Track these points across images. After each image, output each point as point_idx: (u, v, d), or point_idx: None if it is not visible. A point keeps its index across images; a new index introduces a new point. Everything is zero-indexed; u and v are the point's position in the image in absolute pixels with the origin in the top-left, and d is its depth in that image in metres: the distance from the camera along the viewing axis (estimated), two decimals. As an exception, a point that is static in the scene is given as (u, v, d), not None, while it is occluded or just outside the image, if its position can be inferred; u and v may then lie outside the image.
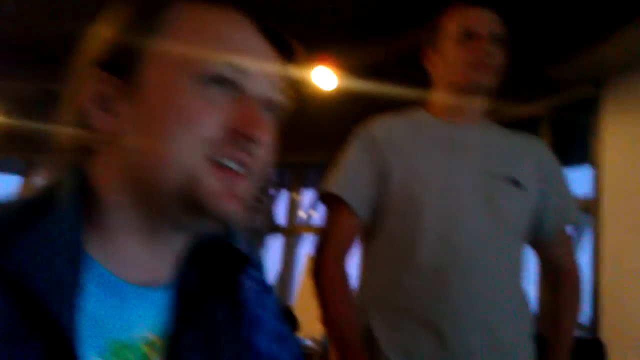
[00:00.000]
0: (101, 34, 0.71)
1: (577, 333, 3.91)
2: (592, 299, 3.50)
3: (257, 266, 0.84)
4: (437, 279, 1.53)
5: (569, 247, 1.77)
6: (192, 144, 0.65)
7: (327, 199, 1.67)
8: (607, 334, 3.34)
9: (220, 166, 0.66)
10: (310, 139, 5.00)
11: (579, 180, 3.82)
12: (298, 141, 5.20)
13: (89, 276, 0.64)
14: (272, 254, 6.19)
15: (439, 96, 1.70)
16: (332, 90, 4.08)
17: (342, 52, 3.73)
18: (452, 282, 1.52)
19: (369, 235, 1.68)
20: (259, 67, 0.69)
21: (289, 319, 3.56)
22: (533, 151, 1.71)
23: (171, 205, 0.66)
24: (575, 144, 3.95)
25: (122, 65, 0.68)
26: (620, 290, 3.36)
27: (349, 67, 3.84)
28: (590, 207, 3.60)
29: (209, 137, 0.65)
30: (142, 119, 0.67)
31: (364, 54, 3.60)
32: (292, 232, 6.30)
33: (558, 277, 1.74)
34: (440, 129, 1.67)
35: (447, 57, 1.65)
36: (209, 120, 0.66)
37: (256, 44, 0.71)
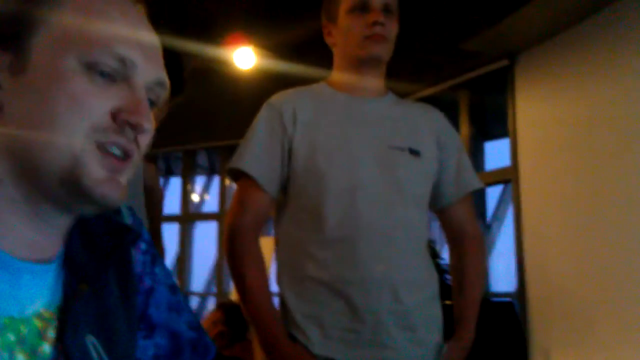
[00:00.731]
0: None
1: (499, 298, 3.97)
2: (517, 266, 3.61)
3: (145, 240, 0.85)
4: (343, 249, 1.60)
5: (470, 212, 1.84)
6: (79, 128, 0.66)
7: (237, 175, 1.70)
8: (533, 301, 3.45)
9: (104, 152, 0.68)
10: (226, 120, 4.96)
11: (500, 152, 3.93)
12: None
13: None
14: (168, 241, 6.12)
15: (339, 71, 1.76)
16: (250, 70, 4.04)
17: (259, 31, 3.68)
18: (357, 251, 1.59)
19: (279, 212, 1.72)
20: (145, 58, 0.71)
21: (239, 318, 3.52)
22: (431, 120, 1.78)
23: (53, 186, 0.67)
24: (494, 117, 4.04)
25: (7, 35, 0.68)
26: (542, 256, 3.47)
27: (267, 46, 3.80)
28: (509, 177, 3.70)
29: (95, 123, 0.67)
30: (28, 95, 0.67)
31: (281, 33, 3.57)
32: (186, 219, 6.27)
33: (461, 241, 1.82)
34: (342, 102, 1.72)
35: (343, 28, 1.70)
36: (96, 106, 0.67)
37: (144, 32, 0.73)
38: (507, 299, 2.13)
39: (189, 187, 6.30)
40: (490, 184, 4.03)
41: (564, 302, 3.17)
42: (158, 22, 0.77)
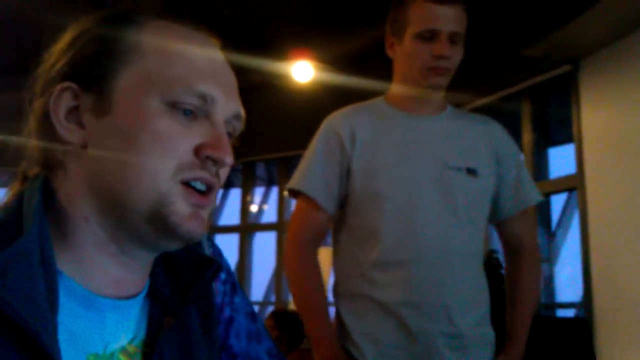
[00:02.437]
0: (72, 45, 0.71)
1: (567, 313, 3.90)
2: (583, 275, 3.51)
3: (225, 269, 0.85)
4: (397, 272, 1.62)
5: (528, 225, 1.85)
6: (165, 167, 0.67)
7: (296, 194, 1.73)
8: (599, 312, 3.35)
9: (189, 187, 0.69)
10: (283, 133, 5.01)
11: (564, 159, 3.84)
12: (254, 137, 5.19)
13: (63, 292, 0.65)
14: (228, 251, 6.20)
15: (398, 88, 1.75)
16: (308, 83, 4.07)
17: (317, 44, 3.71)
18: (412, 275, 1.61)
19: (337, 227, 1.75)
20: (224, 94, 0.72)
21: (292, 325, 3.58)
22: (489, 134, 1.77)
23: (139, 225, 0.68)
24: (557, 123, 3.95)
25: (93, 79, 0.69)
26: (610, 267, 3.37)
27: (324, 59, 3.82)
28: (575, 184, 3.61)
29: (180, 161, 0.68)
30: (113, 136, 0.68)
31: (338, 45, 3.59)
32: (246, 229, 6.32)
33: (518, 255, 1.82)
34: (401, 122, 1.72)
35: (408, 52, 1.68)
36: (181, 144, 0.68)
37: (222, 68, 0.74)
38: (582, 316, 2.07)
39: (248, 198, 6.38)
40: (555, 192, 3.95)
41: (632, 312, 3.07)
42: (221, 39, 0.78)
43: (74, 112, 0.70)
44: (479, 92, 4.09)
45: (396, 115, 1.73)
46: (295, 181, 1.72)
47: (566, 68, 3.60)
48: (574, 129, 3.59)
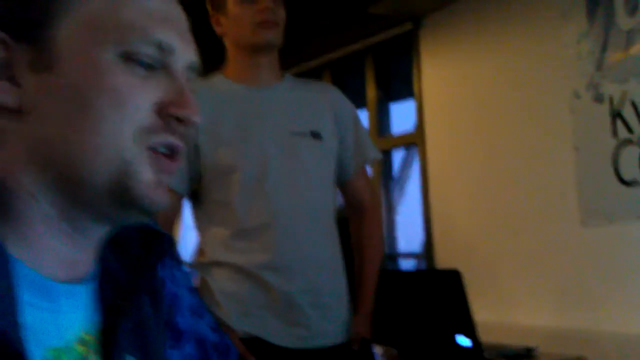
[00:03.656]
0: None
1: (408, 263, 4.07)
2: (425, 228, 3.71)
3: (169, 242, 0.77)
4: (254, 238, 1.70)
5: (367, 182, 1.97)
6: (126, 130, 0.58)
7: None
8: (439, 261, 3.57)
9: (155, 152, 0.61)
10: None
11: (405, 114, 3.98)
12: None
13: (18, 281, 0.56)
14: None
15: (234, 59, 1.79)
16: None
17: None
18: (268, 239, 1.69)
19: (194, 203, 1.78)
20: (181, 41, 0.63)
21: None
22: (328, 99, 1.88)
23: (98, 198, 0.60)
24: (398, 79, 4.08)
25: (25, 25, 0.58)
26: (448, 216, 3.58)
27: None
28: (415, 139, 3.77)
29: (142, 123, 0.60)
30: (60, 96, 0.58)
31: None
32: None
33: (359, 212, 1.94)
34: (241, 94, 1.76)
35: (234, 16, 1.73)
36: (141, 103, 0.60)
37: (176, 11, 0.65)
38: (453, 269, 2.19)
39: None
40: (397, 146, 4.10)
41: (470, 260, 3.29)
42: None
43: (4, 67, 0.57)
44: (325, 49, 4.11)
45: (236, 88, 1.76)
46: None
47: (408, 26, 3.70)
48: (415, 86, 3.73)
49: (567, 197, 2.92)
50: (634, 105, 2.71)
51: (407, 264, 4.26)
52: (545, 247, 3.02)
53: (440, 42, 3.60)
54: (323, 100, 1.86)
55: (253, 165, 1.71)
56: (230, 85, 1.78)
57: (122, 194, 0.59)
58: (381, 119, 4.11)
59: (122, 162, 0.58)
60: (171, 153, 0.62)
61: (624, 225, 2.75)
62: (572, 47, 2.92)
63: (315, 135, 1.78)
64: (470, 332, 2.19)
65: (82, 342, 0.62)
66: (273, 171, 1.72)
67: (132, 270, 0.68)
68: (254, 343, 1.66)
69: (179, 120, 0.61)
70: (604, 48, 2.82)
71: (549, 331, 2.86)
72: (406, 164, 4.26)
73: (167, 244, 0.70)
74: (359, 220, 1.93)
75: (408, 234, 4.14)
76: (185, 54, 0.64)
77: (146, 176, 0.60)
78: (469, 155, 3.45)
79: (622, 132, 2.75)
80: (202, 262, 1.77)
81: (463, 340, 2.22)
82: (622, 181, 2.74)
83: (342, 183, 1.91)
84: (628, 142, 2.73)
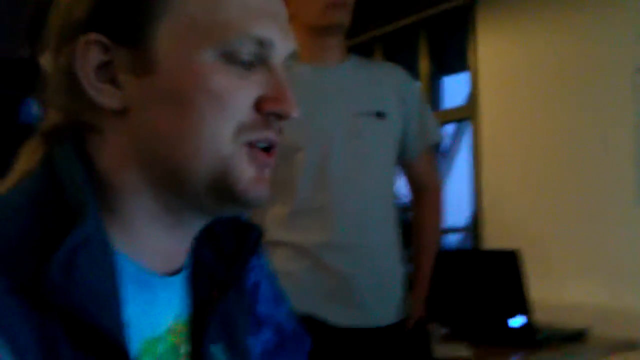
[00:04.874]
0: None
1: (461, 238, 4.03)
2: (474, 203, 3.68)
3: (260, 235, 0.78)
4: (316, 218, 1.70)
5: (431, 165, 1.96)
6: (226, 130, 0.59)
7: None
8: (488, 236, 3.55)
9: (253, 147, 0.61)
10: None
11: (458, 87, 3.93)
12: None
13: (122, 274, 0.58)
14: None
15: (302, 40, 1.74)
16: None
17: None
18: (329, 219, 1.69)
19: None
20: (281, 33, 0.62)
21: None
22: (394, 80, 1.85)
23: (200, 194, 0.60)
24: (453, 53, 4.02)
25: (125, 28, 0.58)
26: (499, 195, 3.54)
27: None
28: (468, 112, 3.72)
29: (241, 122, 0.59)
30: (159, 97, 0.58)
31: None
32: None
33: (421, 193, 1.93)
34: (306, 75, 1.73)
35: (305, 0, 1.69)
36: (241, 102, 0.59)
37: (275, 1, 0.64)
38: (511, 249, 2.19)
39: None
40: (450, 121, 4.06)
41: (519, 237, 3.27)
42: None
43: (104, 70, 0.58)
44: (377, 23, 4.06)
45: (301, 68, 1.73)
46: None
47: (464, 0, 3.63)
48: (470, 59, 3.67)
49: (623, 176, 2.87)
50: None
51: (453, 239, 4.25)
52: (599, 225, 2.97)
53: (497, 16, 3.53)
54: (389, 80, 1.84)
55: (317, 146, 1.71)
56: (297, 66, 1.74)
57: (224, 189, 0.60)
58: (433, 93, 4.07)
59: (222, 160, 0.59)
60: (268, 147, 0.62)
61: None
62: (634, 23, 2.84)
63: (380, 115, 1.77)
64: (524, 313, 2.19)
65: (174, 331, 0.63)
66: (336, 152, 1.71)
67: (226, 263, 0.68)
68: (308, 322, 1.67)
69: (278, 116, 0.62)
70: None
71: (601, 311, 2.84)
72: (456, 139, 4.23)
73: (257, 236, 0.71)
74: (420, 202, 1.93)
75: (455, 209, 4.13)
76: (284, 45, 0.63)
77: (246, 172, 0.60)
78: (522, 131, 3.39)
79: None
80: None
81: (517, 322, 2.22)
82: (682, 162, 2.67)
83: (406, 164, 1.90)
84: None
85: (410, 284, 1.87)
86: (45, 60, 0.61)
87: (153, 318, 0.61)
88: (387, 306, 1.77)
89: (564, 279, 3.09)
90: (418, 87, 1.97)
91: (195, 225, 0.65)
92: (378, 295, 1.74)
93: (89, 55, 0.58)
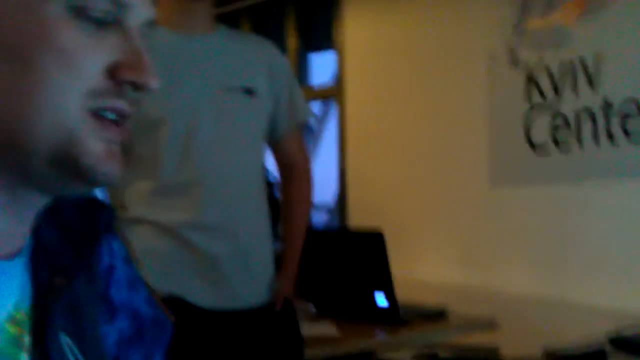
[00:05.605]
0: None
1: (324, 218, 4.06)
2: (339, 183, 3.72)
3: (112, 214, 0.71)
4: (181, 195, 1.64)
5: (300, 144, 1.93)
6: (72, 94, 0.52)
7: None
8: (353, 212, 3.61)
9: (100, 118, 0.54)
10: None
11: (326, 65, 3.93)
12: None
13: None
14: None
15: (166, 4, 1.68)
16: None
17: None
18: (194, 197, 1.64)
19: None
20: None
21: None
22: (263, 54, 1.80)
23: (40, 168, 0.53)
24: (321, 29, 4.00)
25: None
26: (363, 172, 3.60)
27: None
28: (334, 91, 3.74)
29: (90, 86, 0.53)
30: (0, 54, 0.51)
31: None
32: None
33: (290, 172, 1.90)
34: (172, 43, 1.66)
35: None
36: (92, 64, 0.53)
37: None
38: (376, 230, 2.21)
39: None
40: (315, 99, 4.05)
41: (382, 216, 3.34)
42: None
43: None
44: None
45: (166, 35, 1.65)
46: None
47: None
48: (335, 37, 3.67)
49: (478, 158, 3.00)
50: (548, 71, 2.79)
51: (318, 217, 4.28)
52: (454, 205, 3.11)
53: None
54: (258, 55, 1.79)
55: (182, 119, 1.64)
56: (161, 33, 1.65)
57: (68, 164, 0.53)
58: (300, 70, 4.04)
59: (66, 129, 0.52)
60: (118, 119, 0.56)
61: (531, 189, 2.86)
62: (493, 9, 2.95)
63: (249, 91, 1.71)
64: (389, 293, 2.23)
65: (14, 320, 0.57)
66: (202, 127, 1.65)
67: (72, 245, 0.62)
68: (175, 303, 1.61)
69: (134, 85, 0.55)
70: (523, 13, 2.87)
71: (457, 289, 2.97)
72: (323, 117, 4.25)
73: (110, 216, 0.65)
74: (289, 180, 1.89)
75: (321, 188, 4.15)
76: (141, 8, 0.57)
77: (95, 146, 0.54)
78: (386, 111, 3.46)
79: (536, 97, 2.83)
80: (122, 218, 1.67)
81: (381, 301, 2.26)
82: (532, 145, 2.84)
83: (274, 142, 1.87)
84: (540, 106, 2.82)
85: (278, 261, 1.84)
86: None
87: None
88: (257, 287, 1.74)
89: (422, 257, 3.20)
90: (288, 63, 1.92)
91: (34, 205, 0.58)
92: (246, 275, 1.70)
93: None
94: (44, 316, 0.58)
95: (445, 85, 3.17)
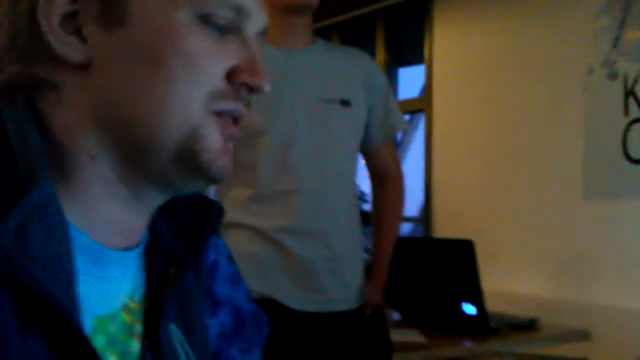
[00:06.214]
0: None
1: (409, 229, 4.05)
2: (425, 194, 3.72)
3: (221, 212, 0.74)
4: (277, 202, 1.70)
5: (393, 154, 1.97)
6: (198, 94, 0.56)
7: None
8: (438, 228, 3.59)
9: (220, 117, 0.58)
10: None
11: (413, 79, 3.95)
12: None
13: (74, 247, 0.53)
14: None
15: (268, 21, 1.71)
16: None
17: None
18: (291, 204, 1.69)
19: None
20: (256, 4, 0.60)
21: None
22: (359, 66, 1.84)
23: (163, 165, 0.57)
24: (409, 44, 4.04)
25: None
26: (450, 185, 3.59)
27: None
28: (422, 104, 3.75)
29: (213, 88, 0.57)
30: (128, 54, 0.55)
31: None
32: None
33: (383, 182, 1.93)
34: (271, 57, 1.69)
35: None
36: (215, 68, 0.57)
37: None
38: (466, 239, 2.21)
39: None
40: (403, 112, 4.07)
41: (469, 228, 3.32)
42: None
43: (70, 20, 0.54)
44: (335, 10, 4.05)
45: (267, 50, 1.69)
46: None
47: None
48: (425, 52, 3.69)
49: (572, 172, 2.94)
50: (647, 84, 2.71)
51: (404, 228, 4.29)
52: (547, 219, 3.05)
53: (454, 9, 3.56)
54: (355, 67, 1.83)
55: (281, 131, 1.70)
56: (265, 48, 1.74)
57: (188, 159, 0.56)
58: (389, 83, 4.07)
59: (190, 126, 0.56)
60: (235, 119, 0.60)
61: (627, 202, 2.78)
62: (589, 22, 2.90)
63: (345, 103, 1.76)
64: (477, 301, 2.21)
65: (128, 309, 0.60)
66: (300, 138, 1.71)
67: (186, 240, 0.65)
68: (267, 304, 1.66)
69: (250, 88, 0.59)
70: (621, 26, 2.80)
71: (549, 302, 2.91)
72: (409, 130, 4.26)
73: (219, 214, 0.68)
74: (382, 191, 1.93)
75: (407, 199, 4.16)
76: (258, 18, 0.61)
77: (214, 141, 0.57)
78: (475, 125, 3.44)
79: (634, 111, 2.75)
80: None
81: (469, 309, 2.25)
82: (630, 159, 2.76)
83: (368, 152, 1.90)
84: (639, 120, 2.74)
85: (368, 270, 1.87)
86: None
87: (106, 294, 0.57)
88: (347, 292, 1.78)
89: (511, 270, 3.16)
90: (384, 74, 1.94)
91: (154, 201, 0.62)
92: (338, 281, 1.75)
93: (55, 3, 0.53)
94: (157, 306, 0.61)
95: (538, 100, 3.13)
